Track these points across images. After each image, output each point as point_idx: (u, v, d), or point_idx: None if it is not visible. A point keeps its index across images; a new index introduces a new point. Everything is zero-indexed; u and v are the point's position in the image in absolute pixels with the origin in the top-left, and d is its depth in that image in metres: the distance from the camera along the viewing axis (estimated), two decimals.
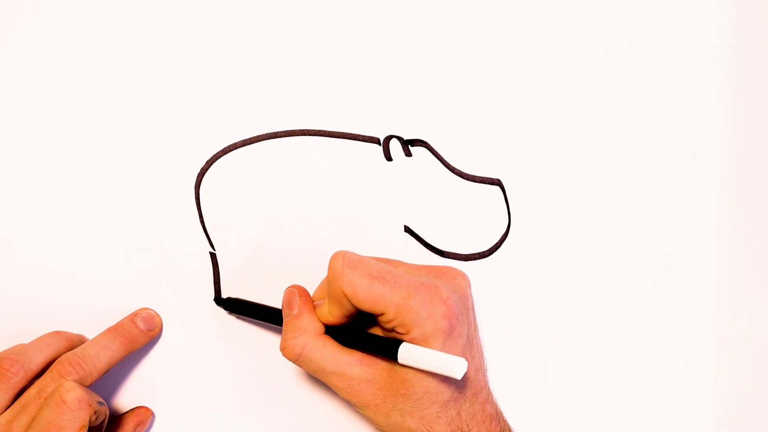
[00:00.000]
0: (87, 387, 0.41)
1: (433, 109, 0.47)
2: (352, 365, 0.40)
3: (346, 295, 0.39)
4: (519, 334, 0.47)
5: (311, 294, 0.44)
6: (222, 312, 0.47)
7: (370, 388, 0.40)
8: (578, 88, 0.47)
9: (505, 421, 0.42)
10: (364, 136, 0.47)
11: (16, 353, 0.42)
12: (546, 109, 0.47)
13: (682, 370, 0.47)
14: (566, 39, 0.47)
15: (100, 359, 0.43)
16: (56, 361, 0.42)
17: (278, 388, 0.47)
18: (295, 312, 0.42)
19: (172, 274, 0.47)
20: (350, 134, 0.47)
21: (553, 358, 0.47)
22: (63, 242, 0.46)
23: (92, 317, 0.46)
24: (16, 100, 0.46)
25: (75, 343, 0.44)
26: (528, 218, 0.47)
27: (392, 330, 0.40)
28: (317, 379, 0.43)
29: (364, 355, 0.41)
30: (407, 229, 0.47)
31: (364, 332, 0.42)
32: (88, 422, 0.39)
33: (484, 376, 0.42)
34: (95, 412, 0.40)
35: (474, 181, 0.47)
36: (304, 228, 0.47)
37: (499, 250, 0.47)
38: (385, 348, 0.39)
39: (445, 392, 0.39)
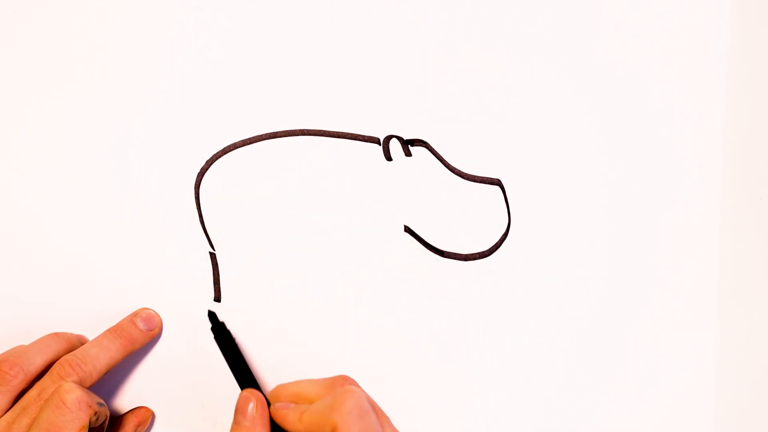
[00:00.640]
0: (87, 388, 0.41)
1: (433, 109, 0.47)
2: None
3: (334, 430, 0.39)
4: (519, 334, 0.47)
5: (286, 384, 0.43)
6: (222, 312, 0.47)
7: None
8: (578, 88, 0.47)
9: None
10: (363, 136, 0.47)
11: (15, 355, 0.42)
12: (546, 109, 0.47)
13: (682, 370, 0.47)
14: (566, 39, 0.47)
15: (100, 360, 0.43)
16: (56, 362, 0.42)
17: None
18: (246, 424, 0.41)
19: (172, 274, 0.47)
20: (350, 134, 0.47)
21: (553, 358, 0.47)
22: (63, 242, 0.46)
23: (92, 318, 0.46)
24: (16, 100, 0.46)
25: (75, 344, 0.44)
26: (528, 218, 0.47)
27: None
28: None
29: None
30: (407, 229, 0.47)
31: None
32: (88, 423, 0.39)
33: None
34: (95, 413, 0.40)
35: (474, 181, 0.47)
36: (303, 228, 0.47)
37: (499, 250, 0.47)
38: None
39: None
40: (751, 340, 0.47)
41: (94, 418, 0.40)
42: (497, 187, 0.47)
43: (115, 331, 0.44)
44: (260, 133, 0.47)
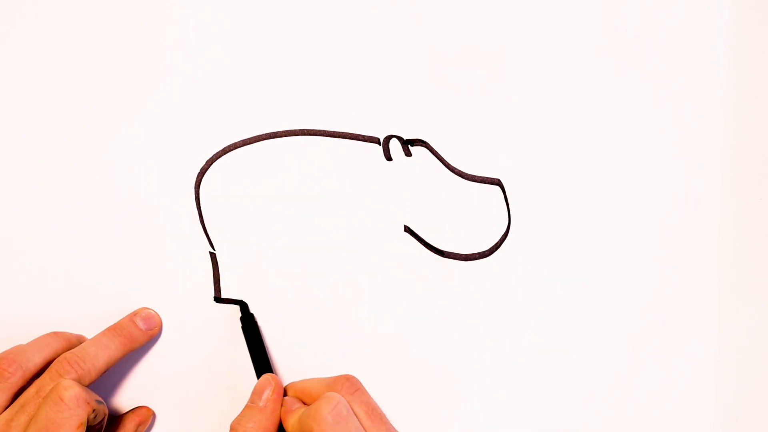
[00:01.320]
0: (86, 386, 0.41)
1: (433, 109, 0.47)
2: None
3: None
4: (519, 334, 0.47)
5: (297, 382, 0.46)
6: (222, 312, 0.47)
7: None
8: (578, 88, 0.47)
9: None
10: (363, 136, 0.47)
11: (13, 353, 0.42)
12: (546, 109, 0.47)
13: (682, 370, 0.47)
14: (566, 39, 0.47)
15: (98, 358, 0.43)
16: (55, 360, 0.42)
17: None
18: (261, 404, 0.43)
19: (172, 274, 0.47)
20: (350, 134, 0.47)
21: (553, 358, 0.47)
22: (62, 242, 0.46)
23: (92, 317, 0.46)
24: (16, 100, 0.46)
25: (73, 343, 0.44)
26: (528, 218, 0.47)
27: None
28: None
29: None
30: (407, 229, 0.47)
31: None
32: (86, 420, 0.39)
33: None
34: (93, 410, 0.40)
35: (474, 180, 0.47)
36: (304, 228, 0.47)
37: (499, 250, 0.47)
38: None
39: None
40: (751, 340, 0.47)
41: (92, 416, 0.40)
42: (497, 187, 0.47)
43: (114, 330, 0.45)
44: (260, 133, 0.47)
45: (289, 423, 0.43)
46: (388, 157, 0.47)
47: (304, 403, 0.44)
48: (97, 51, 0.46)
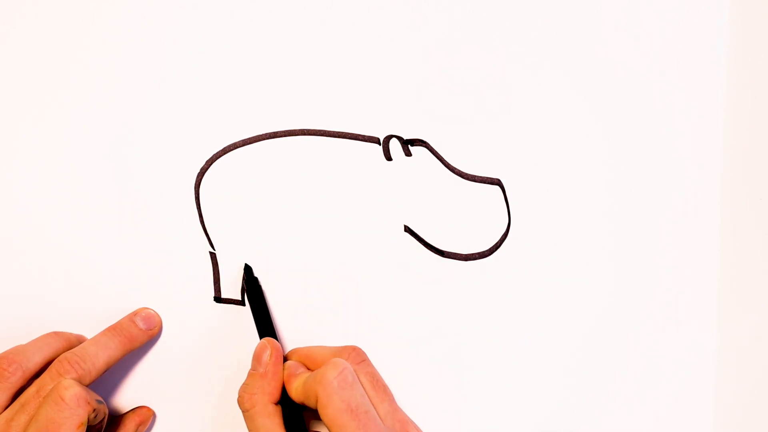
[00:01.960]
0: (86, 386, 0.41)
1: (433, 109, 0.47)
2: None
3: (318, 402, 0.40)
4: (519, 334, 0.47)
5: (303, 348, 0.45)
6: (222, 312, 0.47)
7: None
8: (578, 88, 0.47)
9: None
10: (363, 136, 0.47)
11: (13, 353, 0.42)
12: (546, 109, 0.47)
13: (682, 370, 0.47)
14: (566, 39, 0.47)
15: (99, 358, 0.43)
16: (55, 360, 0.42)
17: None
18: (261, 370, 0.43)
19: (172, 274, 0.47)
20: (350, 134, 0.47)
21: (553, 358, 0.47)
22: (62, 242, 0.46)
23: (92, 317, 0.46)
24: (15, 100, 0.46)
25: (73, 343, 0.44)
26: (528, 218, 0.47)
27: None
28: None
29: None
30: (407, 229, 0.47)
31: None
32: (86, 420, 0.39)
33: None
34: (94, 410, 0.40)
35: (474, 181, 0.47)
36: (304, 228, 0.47)
37: (499, 250, 0.47)
38: None
39: None
40: (751, 340, 0.47)
41: (92, 416, 0.40)
42: (497, 187, 0.47)
43: (114, 330, 0.45)
44: (260, 133, 0.47)
45: (293, 387, 0.42)
46: (388, 157, 0.47)
47: (309, 369, 0.44)
48: (97, 51, 0.46)
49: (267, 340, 0.44)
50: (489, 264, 0.47)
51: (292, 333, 0.47)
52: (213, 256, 0.47)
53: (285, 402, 0.43)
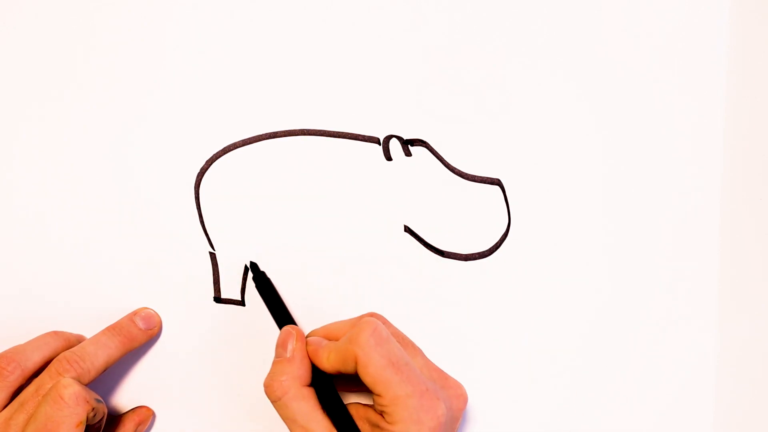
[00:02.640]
0: (85, 385, 0.41)
1: (433, 109, 0.47)
2: (321, 429, 0.40)
3: (357, 362, 0.40)
4: (519, 334, 0.47)
5: (319, 327, 0.44)
6: (222, 312, 0.47)
7: None
8: (578, 88, 0.47)
9: None
10: (363, 136, 0.47)
11: (12, 352, 0.42)
12: (546, 109, 0.47)
13: (682, 370, 0.47)
14: (566, 39, 0.47)
15: (98, 357, 0.43)
16: (54, 359, 0.42)
17: None
18: (288, 355, 0.42)
19: (172, 274, 0.47)
20: (350, 134, 0.47)
21: (553, 358, 0.47)
22: (62, 242, 0.46)
23: (92, 317, 0.46)
24: (15, 100, 0.46)
25: (73, 342, 0.45)
26: (528, 218, 0.47)
27: (380, 412, 0.40)
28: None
29: (332, 427, 0.41)
30: (407, 229, 0.47)
31: (344, 408, 0.42)
32: (85, 419, 0.40)
33: None
34: (93, 409, 0.40)
35: (474, 180, 0.47)
36: (303, 228, 0.47)
37: (499, 250, 0.47)
38: None
39: None
40: (751, 340, 0.47)
41: (91, 414, 0.40)
42: (497, 187, 0.47)
43: (113, 329, 0.45)
44: (260, 133, 0.47)
45: (324, 357, 0.41)
46: (388, 157, 0.47)
47: None
48: (97, 51, 0.46)
49: (290, 327, 0.43)
50: (489, 264, 0.47)
51: None
52: (213, 256, 0.47)
53: (316, 383, 0.42)
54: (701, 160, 0.47)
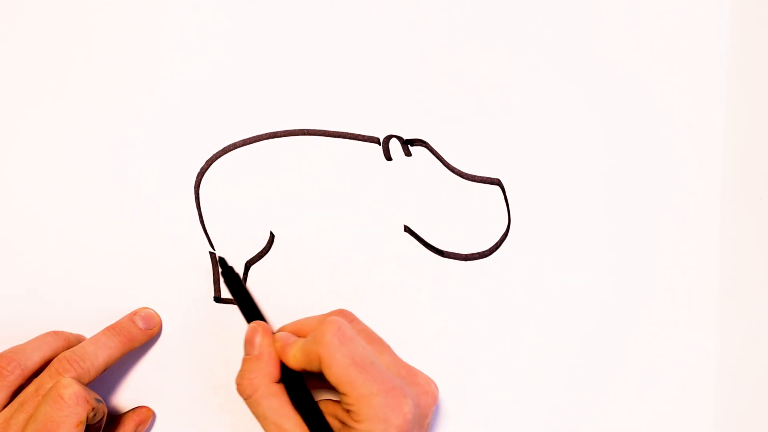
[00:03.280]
0: (85, 385, 0.41)
1: (433, 109, 0.47)
2: (292, 426, 0.40)
3: (321, 362, 0.39)
4: (518, 334, 0.47)
5: (288, 323, 0.44)
6: (222, 312, 0.47)
7: None
8: (578, 88, 0.47)
9: None
10: (363, 136, 0.47)
11: (12, 352, 0.42)
12: (546, 109, 0.47)
13: (682, 370, 0.47)
14: (566, 39, 0.47)
15: (98, 357, 0.43)
16: (54, 359, 0.42)
17: None
18: (255, 352, 0.41)
19: (172, 273, 0.47)
20: (350, 134, 0.47)
21: (553, 358, 0.47)
22: (62, 242, 0.46)
23: (92, 317, 0.46)
24: (15, 100, 0.46)
25: (73, 342, 0.44)
26: (528, 218, 0.47)
27: (347, 410, 0.40)
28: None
29: (303, 423, 0.40)
30: (407, 229, 0.47)
31: (314, 404, 0.41)
32: (85, 418, 0.39)
33: None
34: (93, 408, 0.40)
35: (474, 180, 0.47)
36: (303, 228, 0.47)
37: (499, 250, 0.47)
38: None
39: None
40: (751, 340, 0.47)
41: (91, 414, 0.40)
42: (497, 187, 0.47)
43: (113, 329, 0.45)
44: (260, 133, 0.47)
45: (291, 355, 0.41)
46: (388, 157, 0.47)
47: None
48: (97, 51, 0.46)
49: (256, 323, 0.42)
50: (489, 264, 0.47)
51: None
52: (213, 256, 0.47)
53: (286, 379, 0.42)
54: (701, 160, 0.47)
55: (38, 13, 0.46)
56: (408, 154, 0.47)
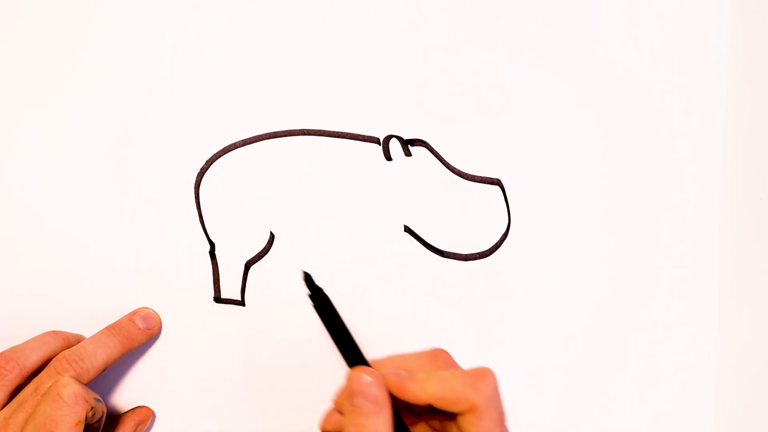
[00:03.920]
0: (84, 384, 0.41)
1: (433, 109, 0.47)
2: None
3: (472, 411, 0.36)
4: (518, 334, 0.47)
5: (383, 359, 0.40)
6: (222, 312, 0.47)
7: None
8: (578, 88, 0.47)
9: None
10: (363, 136, 0.47)
11: (11, 351, 0.42)
12: (546, 109, 0.47)
13: (682, 370, 0.47)
14: (566, 39, 0.47)
15: (97, 357, 0.43)
16: (53, 358, 0.42)
17: (278, 387, 0.47)
18: (371, 407, 0.36)
19: (172, 274, 0.47)
20: (350, 134, 0.47)
21: (553, 357, 0.47)
22: (62, 242, 0.46)
23: (92, 317, 0.46)
24: (15, 100, 0.46)
25: (72, 342, 0.45)
26: (528, 218, 0.47)
27: None
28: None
29: None
30: (407, 229, 0.47)
31: None
32: (84, 418, 0.39)
33: None
34: (92, 408, 0.40)
35: (474, 180, 0.47)
36: (303, 228, 0.47)
37: (499, 250, 0.47)
38: None
39: None
40: (751, 340, 0.47)
41: (90, 414, 0.40)
42: (497, 187, 0.47)
43: (113, 329, 0.45)
44: (260, 133, 0.47)
45: (411, 390, 0.37)
46: (388, 157, 0.47)
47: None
48: (97, 51, 0.46)
49: (365, 370, 0.37)
50: (489, 264, 0.47)
51: (291, 333, 0.47)
52: (213, 256, 0.47)
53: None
54: (701, 160, 0.47)
55: (38, 13, 0.46)
56: (408, 154, 0.47)
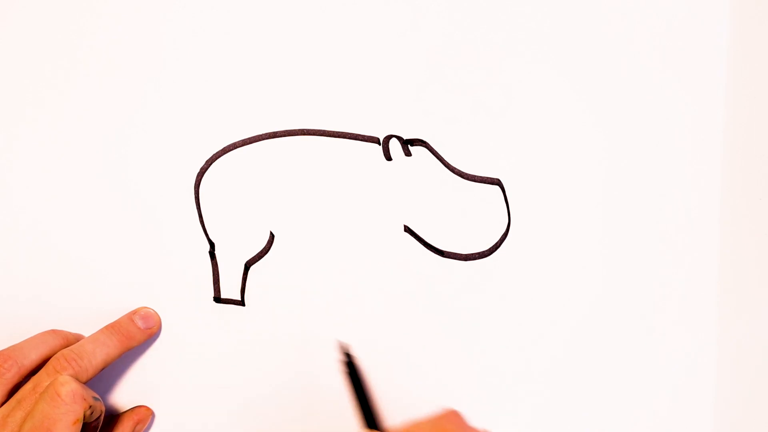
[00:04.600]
0: (83, 383, 0.41)
1: (433, 109, 0.47)
2: None
3: None
4: (519, 334, 0.47)
5: (402, 428, 0.42)
6: (222, 312, 0.47)
7: None
8: (578, 88, 0.47)
9: None
10: (363, 136, 0.47)
11: (9, 350, 0.42)
12: (546, 109, 0.47)
13: (682, 370, 0.47)
14: (566, 39, 0.47)
15: (96, 356, 0.43)
16: (52, 357, 0.42)
17: (277, 387, 0.47)
18: None
19: (172, 273, 0.47)
20: (350, 134, 0.47)
21: (553, 358, 0.47)
22: (62, 242, 0.46)
23: (92, 317, 0.46)
24: (15, 100, 0.46)
25: (71, 341, 0.45)
26: (528, 218, 0.47)
27: None
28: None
29: None
30: (407, 229, 0.47)
31: None
32: (82, 416, 0.39)
33: None
34: (90, 407, 0.40)
35: (474, 180, 0.47)
36: (303, 228, 0.47)
37: (499, 250, 0.47)
38: None
39: None
40: (751, 340, 0.47)
41: (88, 412, 0.40)
42: (497, 187, 0.47)
43: (112, 328, 0.45)
44: (260, 133, 0.47)
45: None
46: (388, 157, 0.47)
47: None
48: (96, 51, 0.46)
49: None
50: (489, 264, 0.47)
51: (291, 333, 0.47)
52: (213, 256, 0.47)
53: None
54: (701, 160, 0.47)
55: (38, 13, 0.46)
56: (408, 154, 0.47)
